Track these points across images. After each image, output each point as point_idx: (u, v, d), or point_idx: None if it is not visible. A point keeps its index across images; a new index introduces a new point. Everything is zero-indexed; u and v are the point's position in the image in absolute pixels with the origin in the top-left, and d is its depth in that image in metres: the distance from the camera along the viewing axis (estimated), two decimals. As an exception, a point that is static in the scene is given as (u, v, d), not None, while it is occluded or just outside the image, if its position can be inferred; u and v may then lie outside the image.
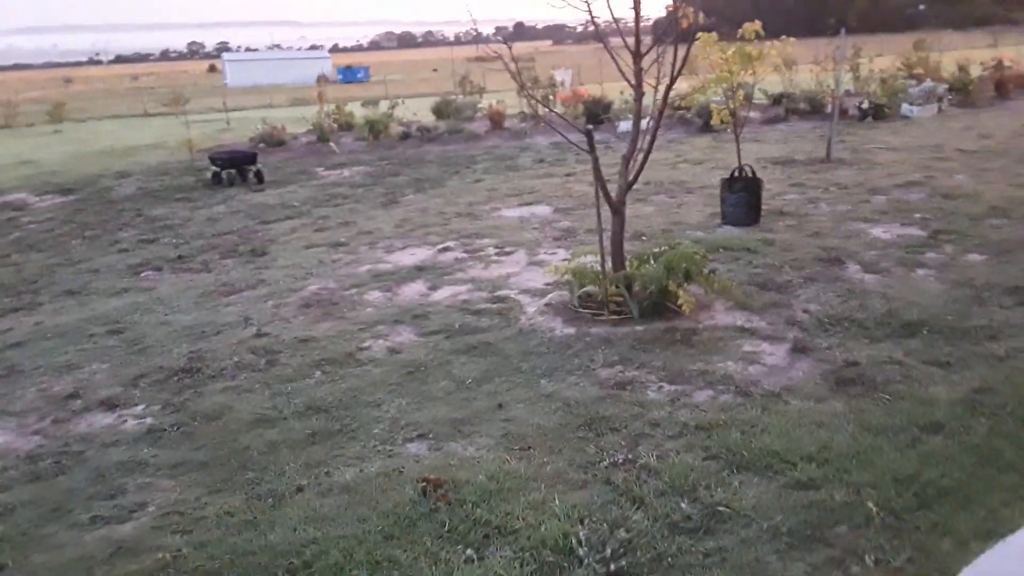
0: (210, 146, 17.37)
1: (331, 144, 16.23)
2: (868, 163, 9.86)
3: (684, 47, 4.88)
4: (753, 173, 7.24)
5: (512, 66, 4.92)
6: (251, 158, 12.60)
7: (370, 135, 16.69)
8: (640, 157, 5.01)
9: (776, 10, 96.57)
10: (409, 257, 6.76)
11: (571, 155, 12.89)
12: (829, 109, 15.16)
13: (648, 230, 7.13)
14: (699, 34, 6.79)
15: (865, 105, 14.38)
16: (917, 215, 7.04)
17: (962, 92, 15.56)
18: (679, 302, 4.64)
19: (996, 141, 11.11)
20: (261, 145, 16.47)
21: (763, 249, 6.18)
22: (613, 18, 4.85)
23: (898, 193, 8.00)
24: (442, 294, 5.62)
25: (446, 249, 6.95)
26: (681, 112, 16.42)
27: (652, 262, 5.03)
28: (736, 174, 7.24)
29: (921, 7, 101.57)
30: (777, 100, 16.16)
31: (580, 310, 5.02)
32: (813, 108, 15.36)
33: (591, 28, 4.90)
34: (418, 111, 19.51)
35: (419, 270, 6.27)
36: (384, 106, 20.37)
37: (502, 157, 13.43)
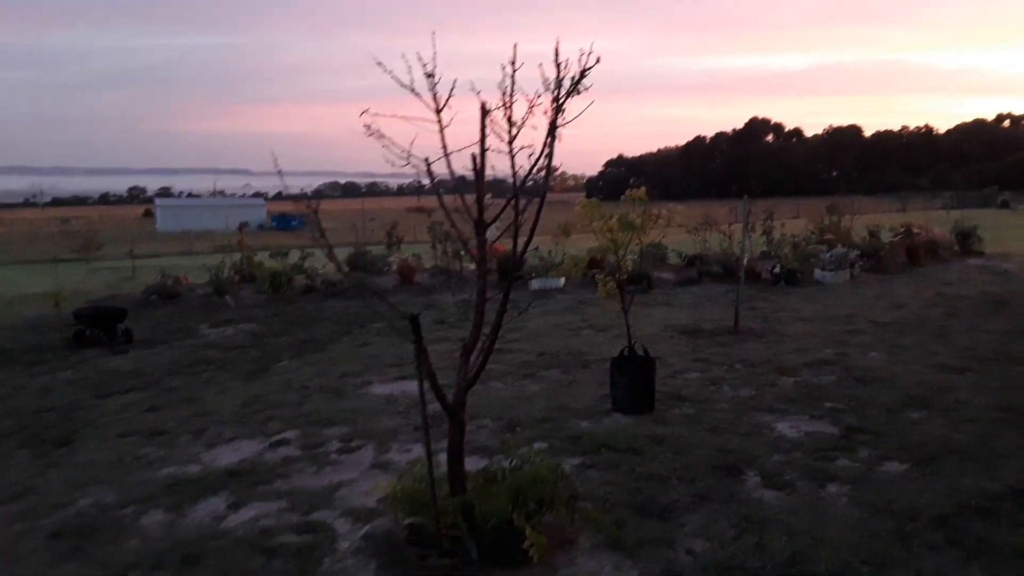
0: (104, 296, 16.11)
1: (227, 298, 15.12)
2: (778, 335, 9.20)
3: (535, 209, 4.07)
4: (646, 352, 6.39)
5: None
6: (120, 315, 11.37)
7: (270, 288, 15.65)
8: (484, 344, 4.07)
9: (703, 175, 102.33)
10: (230, 454, 5.54)
11: (471, 316, 12.05)
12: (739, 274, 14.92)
13: (527, 418, 6.11)
14: (579, 200, 6.13)
15: (777, 270, 14.10)
16: (828, 404, 6.22)
17: (874, 258, 15.53)
18: (526, 544, 3.55)
19: (909, 311, 10.70)
20: (153, 297, 15.25)
21: (651, 450, 5.19)
22: (451, 173, 4.03)
23: (808, 374, 7.24)
24: (242, 516, 4.40)
25: (280, 443, 5.77)
26: (595, 271, 16.03)
27: (502, 480, 3.98)
28: (627, 352, 6.38)
29: (835, 173, 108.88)
30: (691, 262, 15.87)
31: (407, 547, 3.88)
32: (726, 271, 15.04)
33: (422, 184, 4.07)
34: (326, 265, 18.71)
35: (231, 476, 5.05)
36: (295, 256, 19.56)
37: (401, 315, 12.48)
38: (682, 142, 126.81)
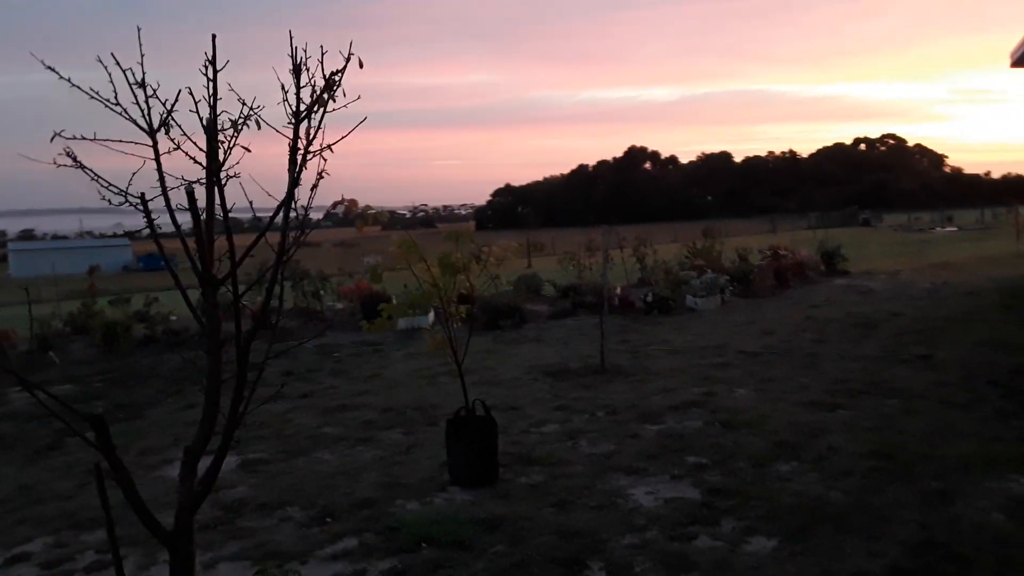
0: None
1: (50, 354, 13.30)
2: (645, 372, 8.53)
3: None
4: (487, 411, 5.49)
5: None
6: None
7: (101, 341, 13.90)
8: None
9: (587, 201, 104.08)
10: (-65, 586, 4.24)
11: (330, 363, 10.91)
12: (616, 303, 14.39)
13: (345, 502, 5.06)
14: (393, 237, 5.21)
15: (650, 298, 13.64)
16: (691, 459, 5.49)
17: (744, 282, 15.36)
18: None
19: (778, 338, 10.32)
20: (-37, 356, 13.22)
21: (482, 542, 4.26)
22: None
23: (673, 420, 6.54)
24: None
25: (18, 559, 4.50)
26: (466, 306, 15.14)
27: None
28: (463, 414, 5.47)
29: (709, 198, 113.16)
30: (565, 293, 15.24)
31: None
32: (600, 300, 14.46)
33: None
34: (176, 309, 17.02)
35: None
36: (140, 302, 17.76)
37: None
38: (567, 171, 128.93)
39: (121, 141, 2.72)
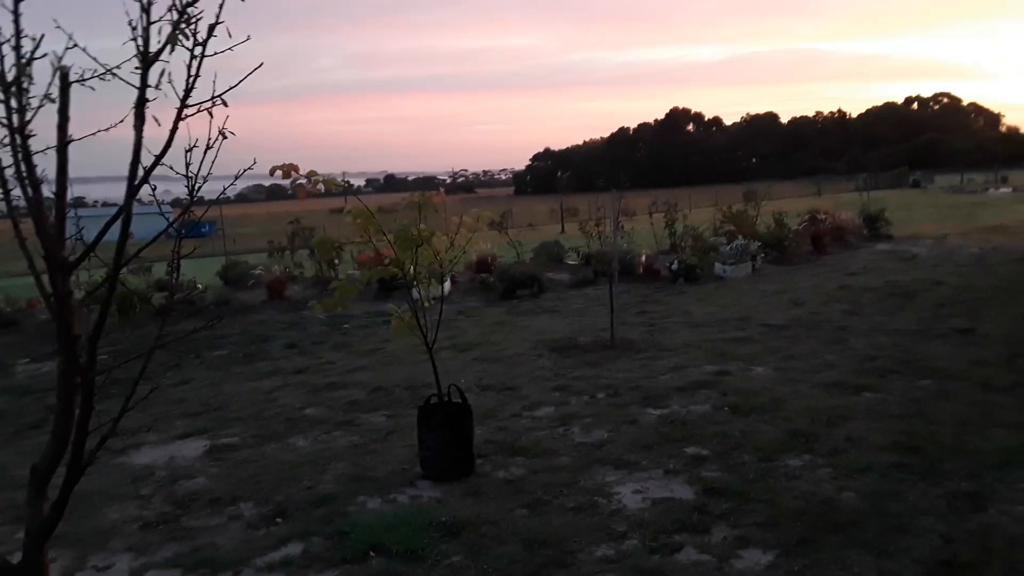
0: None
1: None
2: (657, 348, 7.94)
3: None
4: (463, 397, 4.99)
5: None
6: None
7: (116, 311, 13.70)
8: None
9: (627, 165, 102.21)
10: None
11: (337, 335, 10.53)
12: (640, 271, 13.75)
13: (304, 497, 4.62)
14: (348, 207, 4.68)
15: (675, 266, 12.96)
16: (691, 450, 4.92)
17: (777, 248, 14.55)
18: None
19: (807, 310, 9.61)
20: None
21: (437, 551, 3.76)
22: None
23: (678, 403, 5.96)
24: None
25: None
26: (484, 276, 14.62)
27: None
28: (435, 401, 4.97)
29: (754, 160, 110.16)
30: (588, 260, 14.62)
31: None
32: (625, 269, 13.82)
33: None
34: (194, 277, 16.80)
35: None
36: (162, 270, 17.61)
37: (253, 339, 10.90)
38: (607, 134, 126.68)
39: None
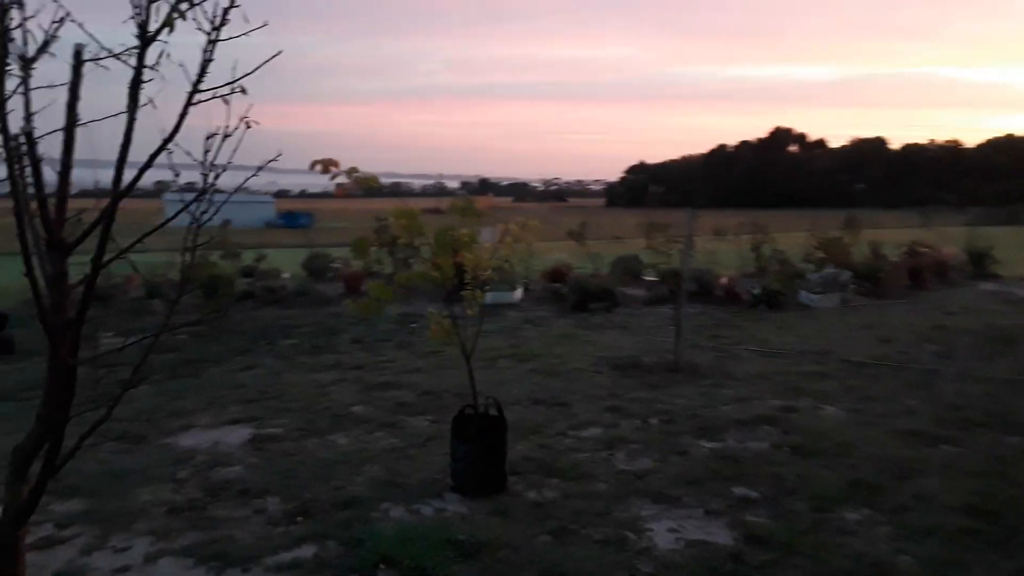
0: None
1: (155, 302, 13.82)
2: (724, 376, 7.54)
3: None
4: (499, 410, 4.80)
5: None
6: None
7: (202, 293, 14.20)
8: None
9: (721, 183, 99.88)
10: None
11: (403, 333, 10.53)
12: (720, 293, 13.26)
13: (331, 498, 4.52)
14: (393, 208, 4.57)
15: (756, 291, 12.40)
16: (739, 490, 4.58)
17: (871, 280, 13.75)
18: None
19: (896, 348, 8.98)
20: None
21: (449, 573, 3.59)
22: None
23: (735, 438, 5.60)
24: None
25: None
26: (557, 285, 14.40)
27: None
28: (469, 412, 4.80)
29: (860, 185, 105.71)
30: (664, 278, 14.19)
31: None
32: (703, 289, 13.35)
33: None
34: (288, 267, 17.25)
35: None
36: (251, 257, 18.19)
37: (324, 331, 11.04)
38: (704, 150, 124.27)
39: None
